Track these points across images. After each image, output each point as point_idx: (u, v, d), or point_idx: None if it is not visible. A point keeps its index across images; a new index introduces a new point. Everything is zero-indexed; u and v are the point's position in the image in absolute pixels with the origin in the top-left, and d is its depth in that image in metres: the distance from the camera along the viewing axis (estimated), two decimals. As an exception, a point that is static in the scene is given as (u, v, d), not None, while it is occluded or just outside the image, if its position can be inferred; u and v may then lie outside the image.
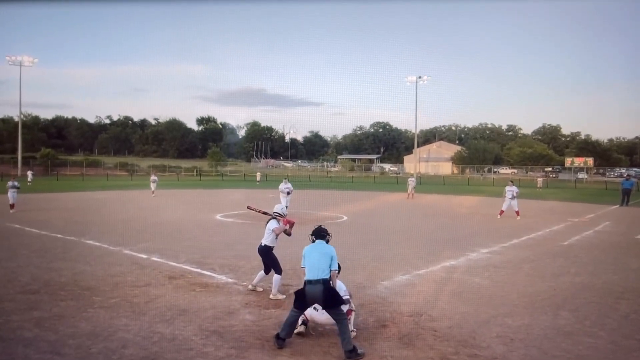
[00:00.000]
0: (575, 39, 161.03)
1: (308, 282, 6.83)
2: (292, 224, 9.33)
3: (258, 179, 63.32)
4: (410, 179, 37.98)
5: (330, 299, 6.73)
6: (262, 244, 9.27)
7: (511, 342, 7.06)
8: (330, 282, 6.88)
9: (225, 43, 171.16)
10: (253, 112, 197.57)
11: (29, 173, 51.97)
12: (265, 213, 9.67)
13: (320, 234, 7.35)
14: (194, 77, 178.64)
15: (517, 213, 22.83)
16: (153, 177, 36.09)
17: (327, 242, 7.34)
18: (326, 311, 6.79)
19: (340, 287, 7.38)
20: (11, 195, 22.97)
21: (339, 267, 7.30)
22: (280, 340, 6.71)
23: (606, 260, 13.39)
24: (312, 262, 6.95)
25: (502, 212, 23.17)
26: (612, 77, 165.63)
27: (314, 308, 7.11)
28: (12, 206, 22.72)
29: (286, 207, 11.09)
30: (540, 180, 60.50)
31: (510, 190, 23.31)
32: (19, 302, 8.59)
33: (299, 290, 6.92)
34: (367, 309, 8.47)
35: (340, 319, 6.65)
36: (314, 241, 7.33)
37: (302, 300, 6.83)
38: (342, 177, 79.04)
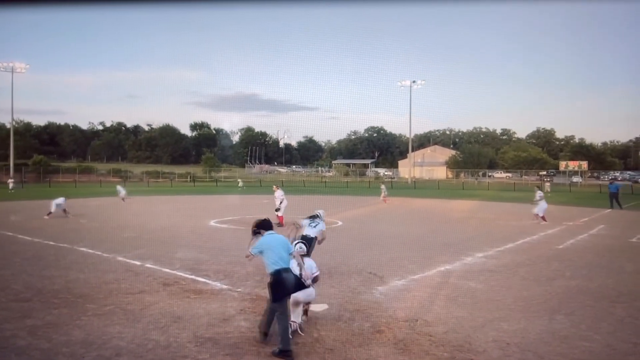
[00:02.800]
0: (570, 43, 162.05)
1: (284, 271, 6.97)
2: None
3: (240, 184, 61.52)
4: (382, 186, 38.05)
5: (300, 283, 7.17)
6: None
7: (507, 346, 7.05)
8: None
9: (219, 49, 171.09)
10: (247, 117, 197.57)
11: (10, 181, 49.89)
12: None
13: (270, 226, 7.50)
14: (188, 83, 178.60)
15: (536, 217, 22.57)
16: (119, 187, 35.80)
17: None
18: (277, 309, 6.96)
19: (311, 265, 7.97)
20: (55, 207, 23.74)
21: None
22: (264, 335, 7.05)
23: (601, 263, 13.42)
24: (277, 252, 7.05)
25: (536, 216, 22.78)
26: (606, 81, 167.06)
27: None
28: (49, 214, 23.44)
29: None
30: (548, 184, 58.45)
31: (539, 196, 23.11)
32: (12, 310, 8.52)
33: (275, 281, 6.92)
34: (362, 314, 8.45)
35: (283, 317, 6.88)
36: (257, 233, 7.43)
37: (282, 288, 6.93)
38: (336, 182, 79.06)
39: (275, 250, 7.06)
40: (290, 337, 6.92)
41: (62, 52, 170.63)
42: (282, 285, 6.90)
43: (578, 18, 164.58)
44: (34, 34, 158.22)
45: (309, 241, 10.43)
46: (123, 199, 33.86)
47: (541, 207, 22.80)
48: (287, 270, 6.99)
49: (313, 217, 11.53)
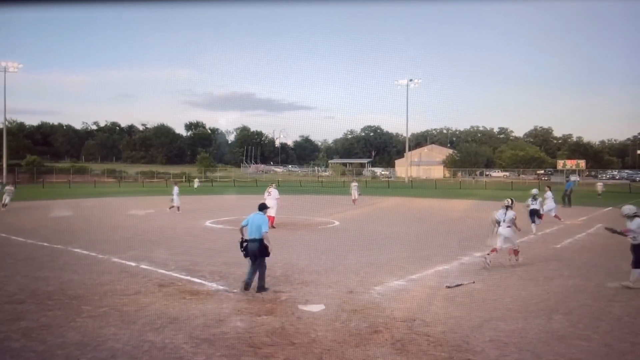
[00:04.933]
0: (567, 42, 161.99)
1: (250, 241, 9.91)
2: None
3: (195, 185, 57.52)
4: (352, 184, 35.74)
5: (261, 251, 9.84)
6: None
7: (505, 346, 7.02)
8: (263, 240, 9.90)
9: (214, 47, 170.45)
10: (242, 116, 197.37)
11: None
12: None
13: (260, 207, 10.55)
14: (183, 82, 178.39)
15: (541, 217, 22.24)
16: (9, 188, 29.03)
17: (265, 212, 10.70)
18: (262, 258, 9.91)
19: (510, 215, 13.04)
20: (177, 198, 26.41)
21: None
22: (248, 285, 9.80)
23: (599, 262, 13.41)
24: (251, 228, 10.00)
25: (557, 216, 22.50)
26: (604, 80, 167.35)
27: (498, 224, 12.93)
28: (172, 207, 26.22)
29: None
30: (600, 185, 47.94)
31: (548, 196, 22.75)
32: (6, 313, 8.47)
33: (245, 244, 9.99)
34: (360, 314, 8.40)
35: (262, 265, 9.90)
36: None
37: (246, 251, 9.99)
38: (333, 182, 78.90)
39: (251, 226, 10.00)
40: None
41: (54, 51, 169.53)
42: (246, 249, 9.95)
43: (576, 16, 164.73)
44: (27, 33, 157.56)
45: (536, 212, 19.43)
46: (4, 205, 27.41)
47: (548, 206, 22.64)
48: (253, 240, 9.88)
49: (534, 196, 19.40)
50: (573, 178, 77.30)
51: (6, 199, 27.58)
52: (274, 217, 19.60)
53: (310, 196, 39.11)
